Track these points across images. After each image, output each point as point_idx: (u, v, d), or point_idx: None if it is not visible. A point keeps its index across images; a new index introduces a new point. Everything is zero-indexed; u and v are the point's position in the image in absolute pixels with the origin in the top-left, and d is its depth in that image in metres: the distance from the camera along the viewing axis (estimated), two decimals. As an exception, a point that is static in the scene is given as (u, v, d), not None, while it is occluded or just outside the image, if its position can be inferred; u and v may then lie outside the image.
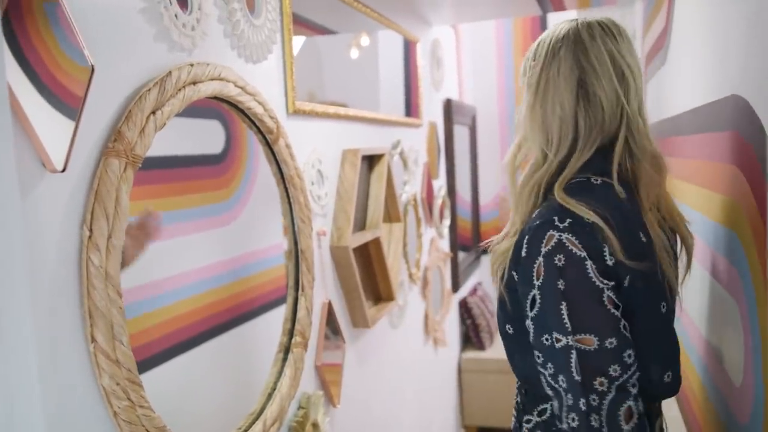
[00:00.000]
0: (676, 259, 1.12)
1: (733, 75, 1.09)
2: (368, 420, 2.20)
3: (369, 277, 2.26)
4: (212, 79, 1.25)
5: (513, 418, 1.22)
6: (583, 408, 0.94)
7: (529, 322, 1.02)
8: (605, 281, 0.95)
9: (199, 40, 1.26)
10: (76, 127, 0.95)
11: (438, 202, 3.22)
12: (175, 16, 1.19)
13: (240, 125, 1.44)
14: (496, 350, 3.74)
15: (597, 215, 0.97)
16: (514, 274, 1.05)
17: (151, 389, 1.08)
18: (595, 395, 0.93)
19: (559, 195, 1.01)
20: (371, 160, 2.28)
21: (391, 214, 2.44)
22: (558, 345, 0.96)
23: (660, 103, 2.03)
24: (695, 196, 1.41)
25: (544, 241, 0.97)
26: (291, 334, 1.60)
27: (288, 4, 1.63)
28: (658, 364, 1.05)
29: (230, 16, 1.38)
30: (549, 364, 0.99)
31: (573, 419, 0.95)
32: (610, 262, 0.96)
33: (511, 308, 1.09)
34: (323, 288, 1.84)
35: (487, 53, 4.22)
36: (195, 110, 1.28)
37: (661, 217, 1.08)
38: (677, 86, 1.64)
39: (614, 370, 0.93)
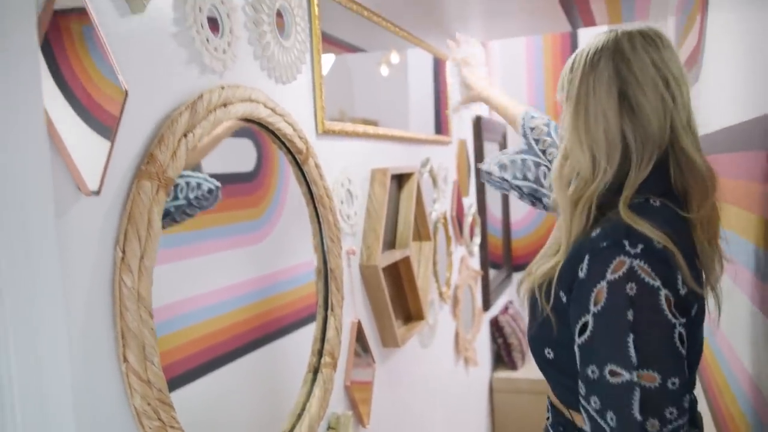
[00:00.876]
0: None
1: (765, 94, 1.07)
2: (398, 441, 2.19)
3: (399, 296, 2.26)
4: (243, 101, 1.27)
5: None
6: None
7: (576, 349, 0.96)
8: (679, 316, 0.89)
9: (230, 63, 1.29)
10: (111, 150, 0.98)
11: (468, 220, 3.21)
12: (207, 39, 1.21)
13: (271, 143, 1.46)
14: (529, 370, 3.69)
15: (669, 239, 0.91)
16: (563, 295, 1.00)
17: (180, 407, 1.09)
18: None
19: (626, 214, 0.94)
20: (400, 179, 2.28)
21: (421, 233, 2.44)
22: (614, 380, 0.89)
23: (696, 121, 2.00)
24: (731, 216, 1.38)
25: (612, 266, 0.91)
26: (320, 354, 1.60)
27: (317, 25, 1.65)
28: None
29: (260, 38, 1.40)
30: (594, 398, 0.92)
31: None
32: (682, 292, 0.90)
33: (556, 332, 1.02)
34: (353, 307, 1.84)
35: (518, 69, 4.21)
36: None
37: (708, 238, 1.01)
38: (710, 104, 1.61)
39: (670, 413, 0.86)
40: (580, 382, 0.95)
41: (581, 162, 1.02)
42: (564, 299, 1.00)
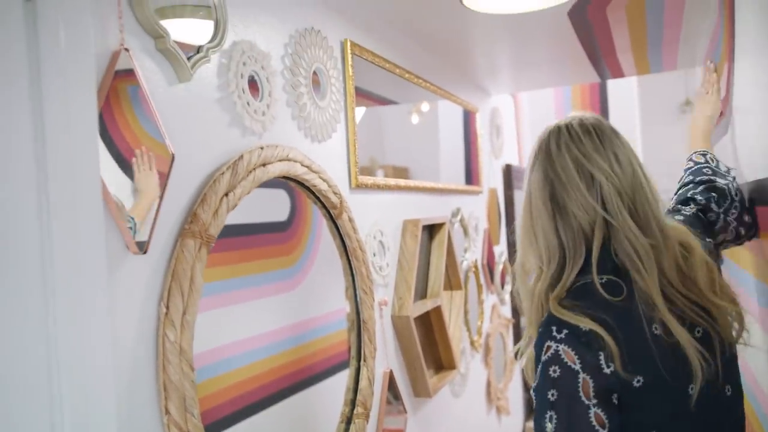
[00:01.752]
0: (707, 336, 1.03)
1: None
2: (430, 492, 2.17)
3: (430, 345, 2.27)
4: (281, 160, 1.33)
5: None
6: None
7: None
8: (596, 398, 0.95)
9: (269, 124, 1.35)
10: (158, 211, 1.03)
11: (499, 268, 3.22)
12: (248, 103, 1.28)
13: (304, 194, 1.51)
14: (562, 420, 3.63)
15: (594, 322, 0.96)
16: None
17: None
18: None
19: (553, 307, 1.01)
20: (432, 229, 2.32)
21: (452, 282, 2.46)
22: None
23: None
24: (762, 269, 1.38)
25: (543, 349, 0.99)
26: (353, 404, 1.62)
27: (351, 84, 1.72)
28: None
29: (297, 100, 1.47)
30: None
31: None
32: (607, 371, 0.95)
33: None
34: (385, 357, 1.86)
35: (546, 117, 4.25)
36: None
37: (685, 297, 1.03)
38: (743, 156, 1.62)
39: None
40: None
41: (531, 262, 1.11)
42: None
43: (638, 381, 0.95)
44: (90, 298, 0.87)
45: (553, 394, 0.96)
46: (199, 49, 1.15)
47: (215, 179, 1.15)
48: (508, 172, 3.43)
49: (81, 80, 0.83)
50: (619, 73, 2.97)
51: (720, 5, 1.83)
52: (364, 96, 1.90)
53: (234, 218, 1.29)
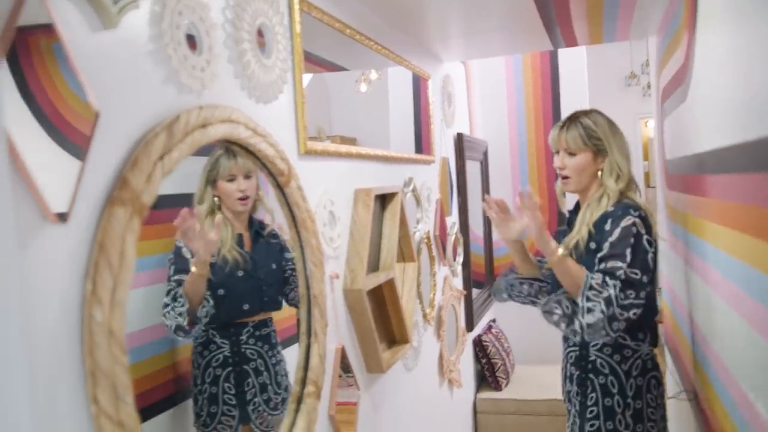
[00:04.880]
0: None
1: (764, 115, 1.03)
2: (383, 469, 2.11)
3: (383, 319, 2.19)
4: (222, 122, 1.21)
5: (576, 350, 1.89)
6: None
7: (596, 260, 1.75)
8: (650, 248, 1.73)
9: (209, 82, 1.23)
10: (82, 172, 0.91)
11: (451, 239, 3.16)
12: (185, 57, 1.15)
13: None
14: (513, 390, 3.64)
15: (648, 211, 1.79)
16: (592, 244, 1.78)
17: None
18: (623, 310, 1.64)
19: (631, 200, 1.83)
20: (384, 199, 2.23)
21: (405, 254, 2.38)
22: (618, 272, 1.66)
23: (680, 140, 1.97)
24: (725, 238, 1.34)
25: (624, 220, 1.73)
26: (303, 383, 1.53)
27: (299, 43, 1.59)
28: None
29: (240, 57, 1.34)
30: (606, 278, 1.68)
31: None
32: (650, 238, 1.75)
33: (585, 262, 1.75)
34: (336, 332, 1.77)
35: (498, 87, 4.19)
36: (206, 149, 1.25)
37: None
38: (700, 124, 1.58)
39: (638, 294, 1.66)
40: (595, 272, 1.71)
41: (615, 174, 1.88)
42: (592, 246, 1.78)
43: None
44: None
45: (632, 240, 1.70)
46: (126, -8, 1.01)
47: (148, 141, 1.03)
48: (460, 141, 3.36)
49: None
50: (572, 41, 2.91)
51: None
52: (312, 61, 1.78)
53: (179, 188, 1.21)
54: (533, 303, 2.01)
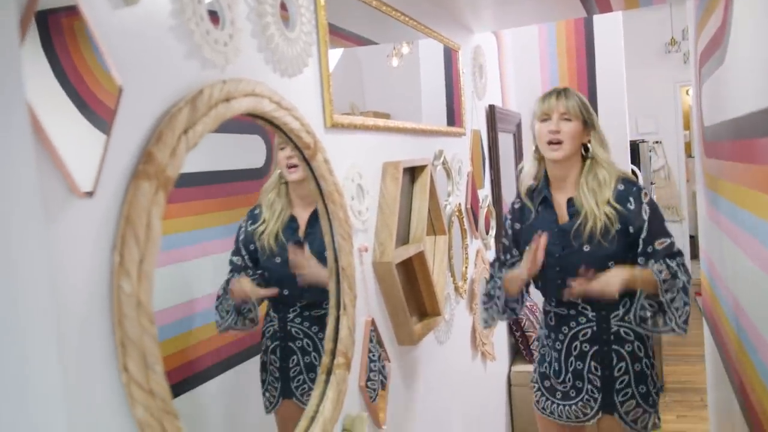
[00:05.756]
0: None
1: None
2: (416, 440, 2.14)
3: (413, 292, 2.20)
4: (246, 95, 1.21)
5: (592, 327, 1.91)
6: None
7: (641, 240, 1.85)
8: None
9: (232, 56, 1.23)
10: (106, 147, 0.93)
11: (483, 212, 3.14)
12: (207, 32, 1.16)
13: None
14: (547, 363, 3.62)
15: None
16: (619, 225, 1.84)
17: (185, 413, 1.04)
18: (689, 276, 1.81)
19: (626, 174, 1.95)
20: (413, 172, 2.22)
21: (436, 227, 2.37)
22: (674, 248, 1.85)
23: (718, 105, 1.92)
24: (763, 204, 1.30)
25: (642, 194, 1.86)
26: (333, 354, 1.54)
27: (323, 16, 1.59)
28: None
29: (264, 30, 1.34)
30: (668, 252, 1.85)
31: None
32: None
33: (616, 246, 1.84)
34: (366, 305, 1.78)
35: (531, 57, 4.11)
36: (236, 125, 1.26)
37: None
38: (739, 87, 1.53)
39: (681, 255, 1.83)
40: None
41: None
42: (619, 227, 1.84)
43: None
44: (23, 246, 0.77)
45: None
46: (147, -32, 1.02)
47: (172, 115, 1.04)
48: (492, 113, 3.31)
49: None
50: (607, 7, 2.84)
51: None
52: (339, 35, 1.77)
53: (207, 165, 1.21)
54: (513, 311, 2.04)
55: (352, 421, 1.63)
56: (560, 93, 1.92)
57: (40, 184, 0.81)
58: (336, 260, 1.57)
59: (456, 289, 2.64)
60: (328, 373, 1.53)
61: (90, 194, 0.90)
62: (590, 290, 1.78)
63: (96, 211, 0.92)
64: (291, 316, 1.43)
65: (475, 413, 2.86)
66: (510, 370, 3.60)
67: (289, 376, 1.43)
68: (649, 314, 1.79)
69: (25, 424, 0.77)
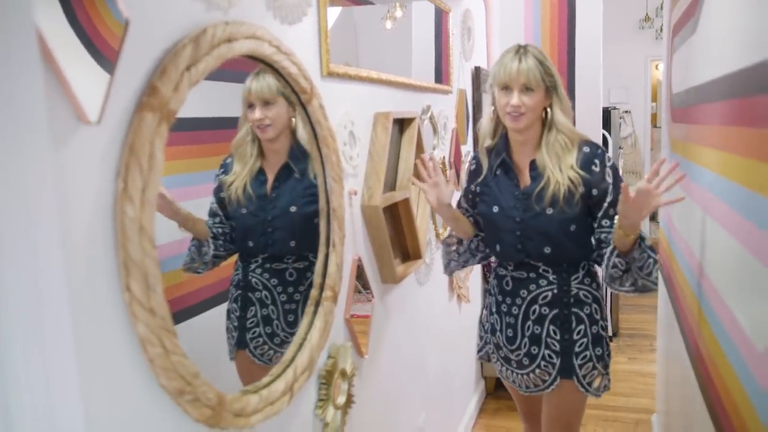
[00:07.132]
0: None
1: (766, 39, 0.97)
2: (395, 370, 2.16)
3: (398, 235, 2.19)
4: (247, 38, 1.17)
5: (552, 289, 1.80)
6: None
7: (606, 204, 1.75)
8: None
9: (236, 0, 1.18)
10: (113, 77, 0.89)
11: (465, 167, 3.11)
12: (211, -27, 1.11)
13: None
14: (516, 307, 3.66)
15: None
16: (582, 188, 1.73)
17: (184, 336, 1.03)
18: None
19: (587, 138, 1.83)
20: (402, 124, 2.19)
21: (420, 177, 2.35)
22: None
23: (687, 74, 1.89)
24: (720, 162, 1.30)
25: (606, 158, 1.76)
26: (322, 288, 1.54)
27: (324, -32, 1.53)
28: None
29: (266, -23, 1.29)
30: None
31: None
32: None
33: (578, 210, 1.74)
34: (353, 245, 1.78)
35: (516, 23, 4.02)
36: (230, 75, 1.22)
37: None
38: (708, 54, 1.51)
39: None
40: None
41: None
42: (582, 191, 1.74)
43: None
44: (33, 170, 0.75)
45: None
46: None
47: (176, 51, 1.00)
48: (477, 74, 3.26)
49: None
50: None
51: None
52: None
53: (205, 111, 1.18)
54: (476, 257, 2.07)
55: (337, 350, 1.64)
56: (520, 56, 1.70)
57: (48, 109, 0.78)
58: (327, 201, 1.55)
59: (437, 235, 2.64)
60: (317, 304, 1.53)
61: (97, 121, 0.87)
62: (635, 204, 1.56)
63: (102, 139, 0.89)
64: (253, 266, 1.36)
65: (449, 348, 2.90)
66: (482, 313, 3.63)
67: (246, 327, 1.35)
68: (620, 273, 1.67)
69: (35, 336, 0.76)
